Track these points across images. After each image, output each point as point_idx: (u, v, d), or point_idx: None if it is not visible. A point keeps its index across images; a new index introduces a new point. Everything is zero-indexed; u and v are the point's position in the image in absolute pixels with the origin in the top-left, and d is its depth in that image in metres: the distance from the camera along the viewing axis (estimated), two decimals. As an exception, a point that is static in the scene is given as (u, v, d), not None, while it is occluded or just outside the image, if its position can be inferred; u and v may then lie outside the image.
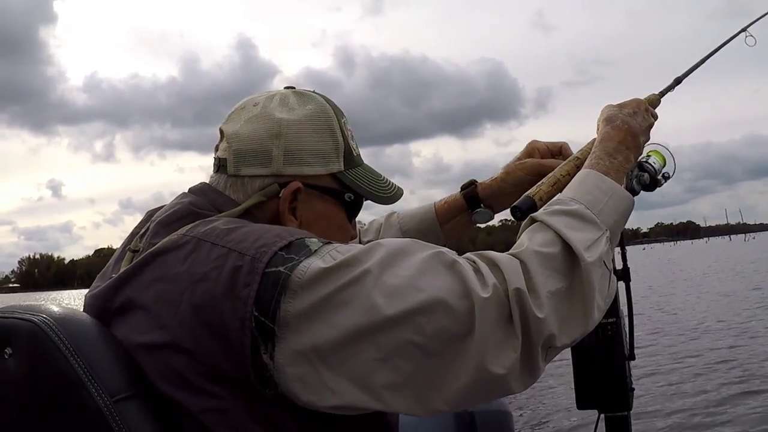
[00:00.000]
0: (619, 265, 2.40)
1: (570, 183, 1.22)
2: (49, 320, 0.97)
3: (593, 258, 1.03)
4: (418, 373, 0.94)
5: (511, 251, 1.04)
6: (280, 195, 1.17)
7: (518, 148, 1.62)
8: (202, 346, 0.95)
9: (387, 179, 1.32)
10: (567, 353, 2.65)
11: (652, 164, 1.41)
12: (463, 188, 1.64)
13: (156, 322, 0.99)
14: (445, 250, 1.02)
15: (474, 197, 1.62)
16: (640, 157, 1.39)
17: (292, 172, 1.17)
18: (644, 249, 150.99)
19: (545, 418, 8.19)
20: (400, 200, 1.31)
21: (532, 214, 1.12)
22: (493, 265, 0.99)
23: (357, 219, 1.42)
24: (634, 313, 2.39)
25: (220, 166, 1.19)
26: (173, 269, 1.00)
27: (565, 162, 1.45)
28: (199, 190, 1.19)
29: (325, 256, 0.98)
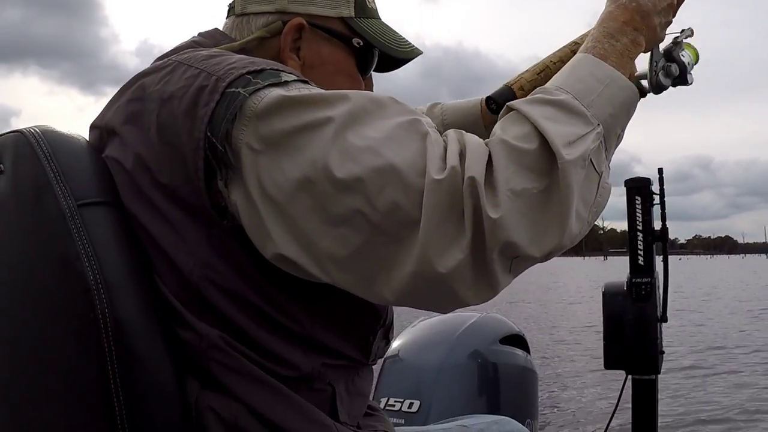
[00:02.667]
0: (657, 225, 2.44)
1: (561, 70, 1.04)
2: (35, 130, 1.00)
3: (573, 156, 0.86)
4: (366, 250, 0.86)
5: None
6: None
7: None
8: (164, 168, 0.94)
9: (405, 38, 1.24)
10: (598, 312, 2.65)
11: (682, 55, 1.19)
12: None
13: (127, 140, 0.99)
14: (425, 119, 0.91)
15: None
16: (666, 45, 1.18)
17: (297, 10, 1.13)
18: (680, 259, 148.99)
19: (571, 376, 8.15)
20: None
21: (509, 103, 0.96)
22: (463, 147, 0.87)
23: None
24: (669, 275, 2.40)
25: (230, 8, 1.18)
26: (148, 89, 1.00)
27: (560, 48, 1.27)
28: (207, 33, 1.17)
29: (292, 89, 0.92)
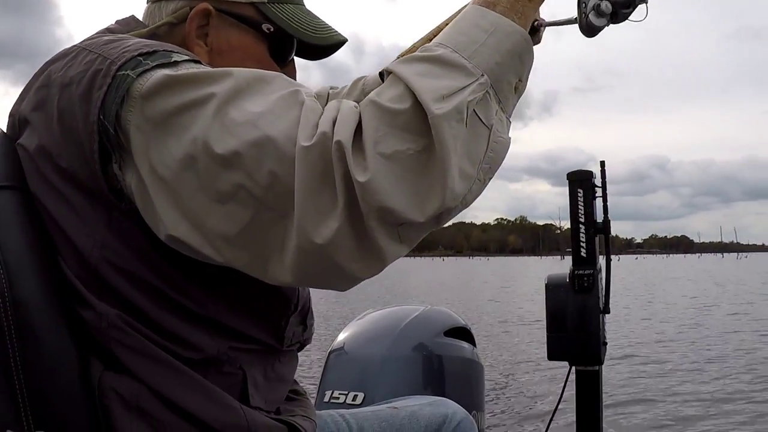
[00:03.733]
0: (599, 217, 2.48)
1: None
2: None
3: (445, 109, 0.81)
4: (255, 227, 0.85)
5: None
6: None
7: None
8: (64, 152, 0.94)
9: (328, 24, 1.23)
10: (541, 304, 2.68)
11: None
12: None
13: (34, 126, 1.00)
14: (305, 89, 0.89)
15: None
16: None
17: None
18: (636, 258, 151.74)
19: (515, 369, 8.28)
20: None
21: (387, 67, 0.91)
22: (338, 113, 0.84)
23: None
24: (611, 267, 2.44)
25: None
26: (52, 76, 1.00)
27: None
28: (123, 20, 1.16)
29: (180, 69, 0.91)
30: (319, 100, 0.94)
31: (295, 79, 1.19)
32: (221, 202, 0.84)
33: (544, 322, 2.47)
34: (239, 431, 0.99)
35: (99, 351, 0.94)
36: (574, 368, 2.47)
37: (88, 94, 0.91)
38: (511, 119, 0.92)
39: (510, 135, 0.91)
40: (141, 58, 0.91)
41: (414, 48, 1.19)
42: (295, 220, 0.81)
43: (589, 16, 1.07)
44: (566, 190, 2.36)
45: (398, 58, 1.18)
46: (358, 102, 0.87)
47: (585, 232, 2.32)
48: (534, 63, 0.97)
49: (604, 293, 2.38)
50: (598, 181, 2.35)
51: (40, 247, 0.96)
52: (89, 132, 0.90)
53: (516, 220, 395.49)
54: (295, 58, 1.24)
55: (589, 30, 1.08)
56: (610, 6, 1.08)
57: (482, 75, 0.87)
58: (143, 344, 0.94)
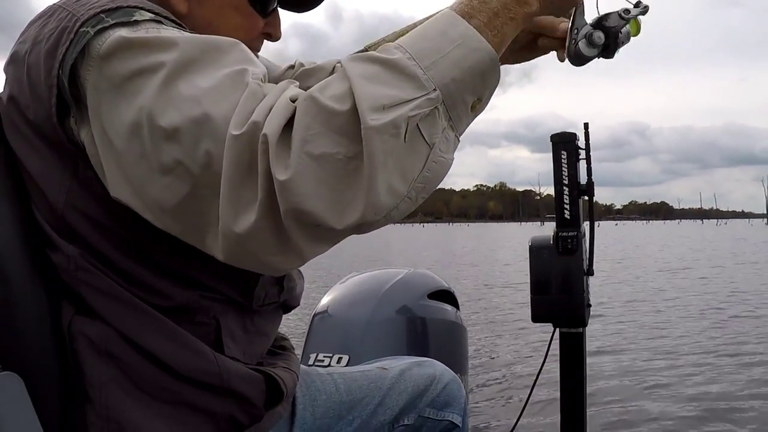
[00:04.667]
0: (583, 180, 2.47)
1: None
2: None
3: (380, 121, 0.76)
4: (192, 202, 0.83)
5: None
6: None
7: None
8: (31, 105, 0.94)
9: None
10: (523, 269, 2.69)
11: (613, 24, 1.03)
12: None
13: (9, 78, 1.01)
14: (254, 69, 0.85)
15: None
16: (604, 13, 1.05)
17: None
18: (616, 225, 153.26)
19: (499, 332, 8.37)
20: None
21: (341, 60, 0.87)
22: (276, 101, 0.80)
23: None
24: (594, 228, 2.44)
25: None
26: (29, 33, 1.00)
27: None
28: None
29: (139, 30, 0.89)
30: (284, 76, 0.92)
31: (278, 31, 1.19)
32: (162, 173, 0.83)
33: (527, 286, 2.47)
34: (210, 378, 0.99)
35: (70, 295, 0.96)
36: (558, 330, 2.47)
37: (54, 50, 0.91)
38: (460, 138, 0.86)
39: (455, 155, 0.85)
40: (103, 15, 0.90)
41: (383, 42, 1.15)
42: (219, 208, 0.79)
43: (579, 44, 1.03)
44: (546, 156, 2.34)
45: (363, 50, 1.14)
46: None
47: (569, 194, 2.31)
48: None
49: (588, 255, 2.38)
50: (581, 144, 2.33)
51: (13, 193, 0.99)
52: (49, 86, 0.91)
53: (495, 186, 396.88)
54: (279, 11, 1.20)
55: (576, 58, 1.03)
56: (603, 37, 1.03)
57: (434, 89, 0.81)
58: (112, 287, 0.95)
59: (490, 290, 13.11)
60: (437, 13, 0.93)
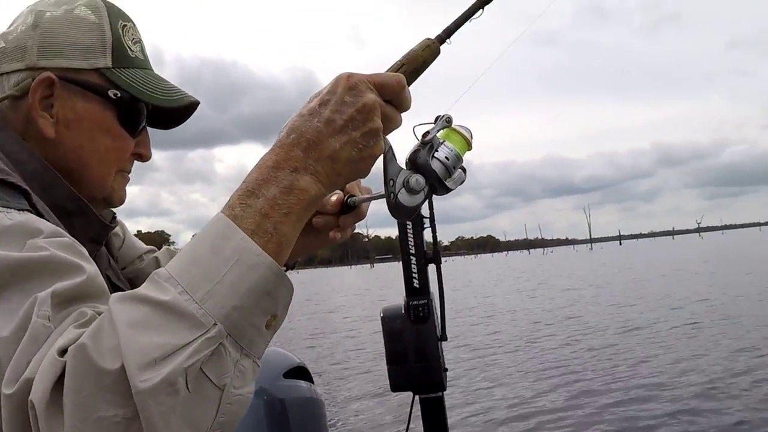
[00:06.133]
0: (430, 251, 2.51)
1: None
2: None
3: (152, 382, 0.67)
4: None
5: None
6: None
7: None
8: None
9: (178, 87, 1.17)
10: (379, 337, 2.69)
11: (437, 153, 0.91)
12: None
13: None
14: (64, 286, 0.78)
15: None
16: (412, 150, 0.92)
17: (46, 65, 1.06)
18: (445, 261, 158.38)
19: (359, 403, 8.32)
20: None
21: (113, 295, 0.76)
22: (58, 352, 0.70)
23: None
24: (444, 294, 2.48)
25: None
26: None
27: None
28: None
29: None
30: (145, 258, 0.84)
31: (149, 151, 1.17)
32: None
33: (370, 348, 2.47)
34: None
35: None
36: (417, 397, 2.48)
37: None
38: (260, 361, 0.78)
39: (252, 387, 0.77)
40: None
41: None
42: None
43: (399, 195, 0.89)
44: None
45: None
46: None
47: (416, 263, 2.34)
48: (336, 71, 0.84)
49: (440, 321, 2.42)
50: (425, 212, 2.38)
51: None
52: None
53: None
54: (148, 129, 1.18)
55: (401, 212, 0.90)
56: (422, 181, 0.90)
57: (214, 325, 0.72)
58: None
59: (339, 356, 12.96)
60: (213, 218, 0.81)
